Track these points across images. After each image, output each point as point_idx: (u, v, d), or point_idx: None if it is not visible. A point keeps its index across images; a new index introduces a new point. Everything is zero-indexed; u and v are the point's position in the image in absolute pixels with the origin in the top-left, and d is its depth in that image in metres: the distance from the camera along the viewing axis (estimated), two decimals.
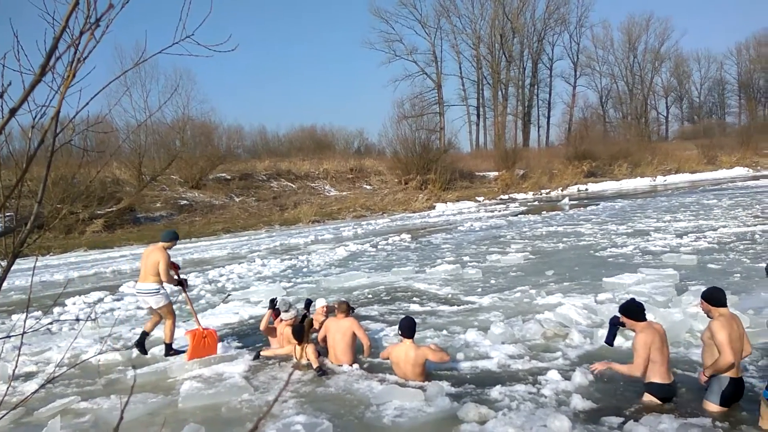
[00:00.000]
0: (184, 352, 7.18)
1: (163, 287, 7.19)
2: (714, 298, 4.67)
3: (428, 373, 5.83)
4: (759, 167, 50.14)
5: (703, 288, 8.14)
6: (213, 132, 38.61)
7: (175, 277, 7.31)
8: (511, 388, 5.33)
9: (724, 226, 15.67)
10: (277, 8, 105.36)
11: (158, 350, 7.43)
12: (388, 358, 5.96)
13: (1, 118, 1.55)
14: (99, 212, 27.12)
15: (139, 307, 10.78)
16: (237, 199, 35.74)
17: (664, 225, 17.34)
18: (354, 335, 6.45)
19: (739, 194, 27.38)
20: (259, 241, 23.69)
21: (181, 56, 1.77)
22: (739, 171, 48.65)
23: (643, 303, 5.02)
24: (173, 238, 7.42)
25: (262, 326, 7.24)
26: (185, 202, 33.11)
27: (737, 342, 4.49)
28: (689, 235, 14.58)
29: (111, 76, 1.91)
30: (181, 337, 7.52)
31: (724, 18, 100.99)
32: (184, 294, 7.44)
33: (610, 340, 5.09)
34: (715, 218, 17.97)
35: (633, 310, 4.85)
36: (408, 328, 5.76)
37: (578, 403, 4.84)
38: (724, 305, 4.64)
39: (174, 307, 7.45)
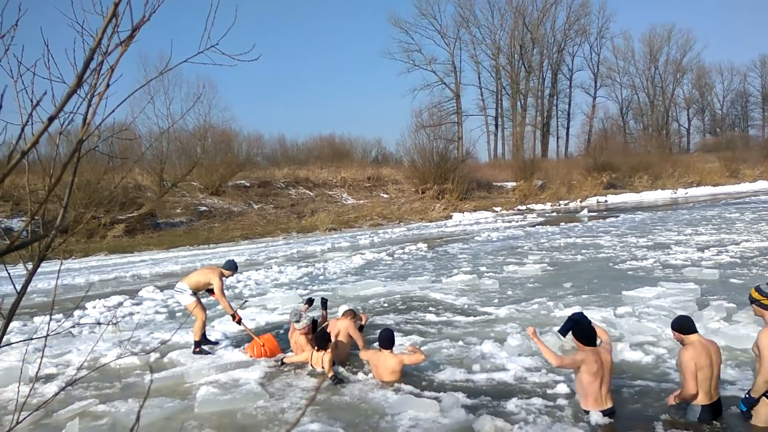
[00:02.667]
0: (209, 353, 7.55)
1: (192, 292, 7.69)
2: (683, 326, 4.69)
3: (404, 373, 6.13)
4: None
5: (725, 303, 8.11)
6: (233, 140, 39.01)
7: (233, 313, 7.72)
8: (527, 400, 5.28)
9: (747, 241, 15.38)
10: (297, 18, 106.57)
11: (176, 354, 7.52)
12: (367, 361, 6.41)
13: (30, 123, 1.59)
14: (120, 217, 27.52)
15: (157, 312, 10.94)
16: (255, 206, 36.00)
17: (685, 238, 17.08)
18: (348, 335, 6.95)
19: (762, 208, 26.88)
20: (277, 248, 23.82)
21: (204, 65, 1.81)
22: (763, 184, 47.86)
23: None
24: (234, 268, 8.16)
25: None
26: (205, 208, 33.45)
27: (707, 369, 4.48)
28: (711, 248, 14.33)
29: (134, 84, 1.95)
30: (237, 357, 7.56)
31: (748, 30, 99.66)
32: (243, 326, 7.83)
33: (563, 330, 5.18)
34: (738, 232, 17.65)
35: (581, 333, 4.87)
36: (386, 340, 6.15)
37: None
38: (694, 332, 4.66)
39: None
